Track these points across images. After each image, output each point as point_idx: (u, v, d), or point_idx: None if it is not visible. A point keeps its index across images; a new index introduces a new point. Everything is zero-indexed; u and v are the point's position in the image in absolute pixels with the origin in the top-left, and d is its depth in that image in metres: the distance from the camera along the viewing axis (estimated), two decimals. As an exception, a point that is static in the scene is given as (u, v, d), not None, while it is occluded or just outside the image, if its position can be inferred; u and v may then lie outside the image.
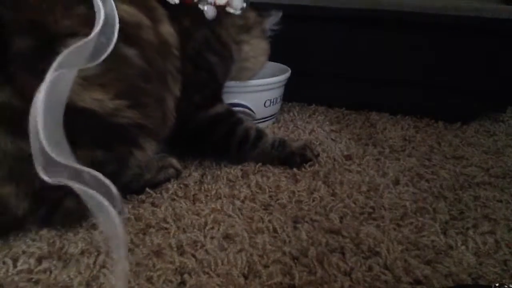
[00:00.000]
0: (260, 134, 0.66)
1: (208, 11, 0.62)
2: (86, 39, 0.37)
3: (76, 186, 0.34)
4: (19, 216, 0.45)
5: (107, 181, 0.35)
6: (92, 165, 0.45)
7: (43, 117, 0.34)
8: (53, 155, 0.34)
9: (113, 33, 0.40)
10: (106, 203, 0.33)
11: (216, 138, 0.63)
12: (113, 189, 0.34)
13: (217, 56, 0.64)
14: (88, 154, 0.46)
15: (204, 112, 0.62)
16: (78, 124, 0.43)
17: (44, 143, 0.34)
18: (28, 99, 0.40)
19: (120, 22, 0.42)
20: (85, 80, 0.43)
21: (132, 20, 0.50)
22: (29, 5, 0.43)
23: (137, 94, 0.49)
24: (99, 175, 0.35)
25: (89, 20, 0.42)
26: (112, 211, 0.32)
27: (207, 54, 0.63)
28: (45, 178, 0.35)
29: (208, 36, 0.63)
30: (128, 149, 0.51)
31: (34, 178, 0.42)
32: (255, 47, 0.72)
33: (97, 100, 0.45)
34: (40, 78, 0.39)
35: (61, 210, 0.47)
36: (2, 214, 0.44)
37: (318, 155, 0.67)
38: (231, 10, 0.65)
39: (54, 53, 0.40)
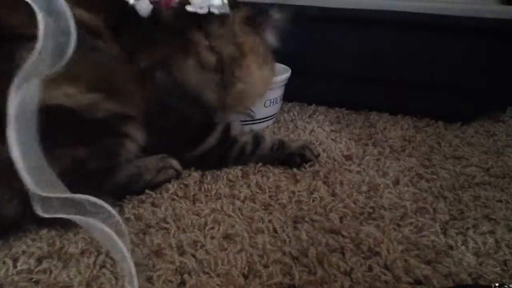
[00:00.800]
0: (257, 142, 0.64)
1: (141, 7, 0.51)
2: (37, 48, 0.33)
3: (73, 217, 0.33)
4: (12, 217, 0.44)
5: (102, 203, 0.33)
6: (73, 163, 0.45)
7: (20, 147, 0.32)
8: (40, 192, 0.32)
9: (69, 29, 0.35)
10: (106, 228, 0.32)
11: (209, 163, 0.62)
12: (111, 209, 0.33)
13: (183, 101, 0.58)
14: (68, 153, 0.45)
15: (192, 150, 0.60)
16: (53, 123, 0.40)
17: (29, 182, 0.32)
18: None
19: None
20: (51, 77, 0.40)
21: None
22: None
23: (112, 83, 0.47)
24: (92, 198, 0.34)
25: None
26: (113, 235, 0.32)
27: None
28: (41, 214, 0.33)
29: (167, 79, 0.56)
30: (115, 141, 0.50)
31: (17, 179, 0.42)
32: (249, 82, 0.63)
33: (69, 95, 0.43)
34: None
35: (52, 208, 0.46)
36: None
37: (318, 155, 0.67)
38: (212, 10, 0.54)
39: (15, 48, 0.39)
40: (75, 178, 0.46)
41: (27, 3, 0.33)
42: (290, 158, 0.64)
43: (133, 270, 0.31)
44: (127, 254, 0.31)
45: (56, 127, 0.42)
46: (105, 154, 0.49)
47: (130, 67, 0.50)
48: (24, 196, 0.42)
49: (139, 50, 0.53)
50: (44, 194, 0.32)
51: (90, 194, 0.49)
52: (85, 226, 0.33)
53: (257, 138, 0.65)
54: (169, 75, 0.55)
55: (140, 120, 0.51)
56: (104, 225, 0.32)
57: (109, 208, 0.33)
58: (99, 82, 0.45)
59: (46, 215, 0.33)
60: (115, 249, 0.32)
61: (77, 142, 0.46)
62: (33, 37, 0.32)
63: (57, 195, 0.33)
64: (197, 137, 0.60)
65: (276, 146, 0.65)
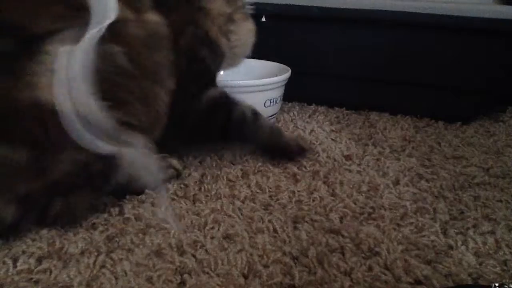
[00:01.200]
0: (255, 113, 0.67)
1: None
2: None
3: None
4: (9, 222, 0.44)
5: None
6: (74, 165, 0.46)
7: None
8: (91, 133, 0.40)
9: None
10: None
11: (215, 123, 0.63)
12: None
13: (208, 50, 0.64)
14: (73, 156, 0.45)
15: (199, 99, 0.62)
16: (56, 128, 0.42)
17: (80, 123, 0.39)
18: (4, 100, 0.41)
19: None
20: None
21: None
22: (7, 7, 0.42)
23: (118, 93, 0.48)
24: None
25: (66, 16, 0.43)
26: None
27: (199, 48, 0.63)
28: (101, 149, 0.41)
29: (196, 32, 0.63)
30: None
31: (18, 182, 0.43)
32: (242, 34, 0.70)
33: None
34: (16, 76, 0.40)
35: (51, 213, 0.47)
36: None
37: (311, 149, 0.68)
38: None
39: (31, 54, 0.41)
40: (78, 180, 0.47)
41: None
42: (288, 147, 0.66)
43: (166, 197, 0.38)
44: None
45: (61, 132, 0.43)
46: (106, 157, 0.49)
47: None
48: (22, 200, 0.44)
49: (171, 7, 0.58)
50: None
51: (91, 194, 0.50)
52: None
53: (255, 111, 0.67)
54: (198, 28, 0.63)
55: (143, 129, 0.52)
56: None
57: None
58: (106, 91, 0.46)
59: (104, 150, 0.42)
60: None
61: (80, 147, 0.45)
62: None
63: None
64: (208, 83, 0.65)
65: (275, 128, 0.68)
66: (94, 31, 0.42)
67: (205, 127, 0.63)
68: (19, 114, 0.41)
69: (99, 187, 0.51)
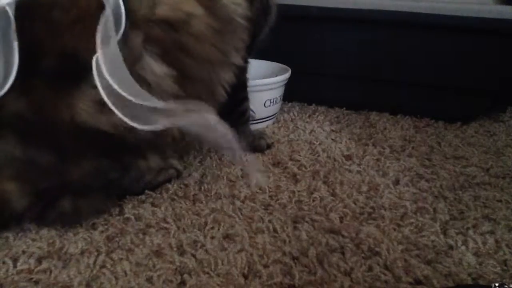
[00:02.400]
0: (249, 117, 0.71)
1: None
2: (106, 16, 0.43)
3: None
4: (18, 212, 0.46)
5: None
6: (95, 172, 0.47)
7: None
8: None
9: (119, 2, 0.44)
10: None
11: (231, 103, 0.64)
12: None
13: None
14: (94, 163, 0.48)
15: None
16: (89, 141, 0.46)
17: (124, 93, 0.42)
18: (43, 114, 0.44)
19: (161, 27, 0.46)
20: (102, 105, 0.44)
21: (177, 17, 0.49)
22: (65, 32, 0.44)
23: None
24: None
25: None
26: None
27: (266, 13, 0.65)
28: (140, 127, 0.43)
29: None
30: (134, 160, 0.52)
31: (40, 179, 0.46)
32: None
33: (113, 122, 0.45)
34: (60, 95, 0.44)
35: (55, 209, 0.48)
36: (2, 208, 0.46)
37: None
38: None
39: (78, 80, 0.44)
40: (93, 184, 0.49)
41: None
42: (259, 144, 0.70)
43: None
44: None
45: (92, 144, 0.47)
46: (121, 168, 0.52)
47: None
48: (34, 193, 0.46)
49: None
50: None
51: (101, 199, 0.51)
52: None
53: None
54: None
55: (163, 151, 0.55)
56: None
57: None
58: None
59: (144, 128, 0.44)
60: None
61: (104, 156, 0.49)
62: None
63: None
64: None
65: (255, 133, 0.71)
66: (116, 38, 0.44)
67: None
68: (55, 127, 0.45)
69: (111, 193, 0.52)
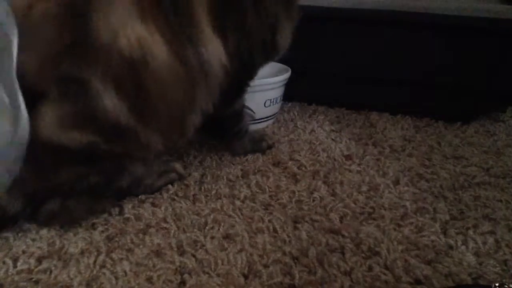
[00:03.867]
0: (247, 129, 0.70)
1: None
2: None
3: None
4: (10, 214, 0.46)
5: None
6: (76, 176, 0.48)
7: None
8: None
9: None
10: None
11: (222, 129, 0.66)
12: None
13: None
14: (71, 171, 0.48)
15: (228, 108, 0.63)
16: (60, 153, 0.46)
17: None
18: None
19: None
20: (60, 123, 0.44)
21: (137, 55, 0.45)
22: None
23: (115, 135, 0.48)
24: None
25: (65, 81, 0.44)
26: None
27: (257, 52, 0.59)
28: None
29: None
30: (116, 165, 0.51)
31: (24, 185, 0.45)
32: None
33: (72, 138, 0.45)
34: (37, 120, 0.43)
35: (43, 211, 0.48)
36: None
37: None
38: None
39: (35, 98, 0.43)
40: (78, 186, 0.48)
41: None
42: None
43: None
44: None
45: (63, 157, 0.46)
46: (106, 171, 0.51)
47: None
48: (28, 196, 0.46)
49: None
50: None
51: (91, 199, 0.51)
52: None
53: (248, 128, 0.71)
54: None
55: (137, 157, 0.53)
56: None
57: None
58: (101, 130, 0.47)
59: None
60: None
61: (79, 165, 0.48)
62: None
63: None
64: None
65: (254, 137, 0.71)
66: None
67: (213, 126, 0.63)
68: (35, 146, 0.44)
69: (98, 193, 0.52)
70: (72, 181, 0.48)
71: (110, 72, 0.44)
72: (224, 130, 0.67)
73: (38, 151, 0.44)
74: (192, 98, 0.52)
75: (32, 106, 0.43)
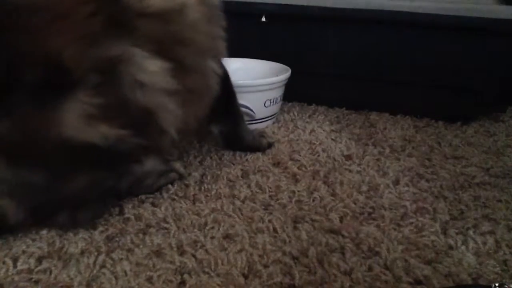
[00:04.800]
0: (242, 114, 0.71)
1: None
2: None
3: None
4: (10, 223, 0.45)
5: None
6: (90, 183, 0.47)
7: None
8: None
9: None
10: None
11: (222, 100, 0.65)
12: None
13: None
14: (88, 176, 0.47)
15: None
16: (80, 155, 0.44)
17: None
18: (29, 133, 0.42)
19: None
20: (88, 118, 0.43)
21: (170, 7, 0.48)
22: (44, 38, 0.41)
23: (141, 126, 0.48)
24: None
25: (100, 66, 0.42)
26: None
27: None
28: None
29: None
30: (128, 166, 0.52)
31: (34, 197, 0.45)
32: None
33: (101, 133, 0.44)
34: (44, 112, 0.41)
35: (51, 221, 0.48)
36: None
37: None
38: None
39: (63, 91, 0.41)
40: (89, 195, 0.48)
41: None
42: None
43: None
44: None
45: (83, 158, 0.45)
46: (117, 176, 0.51)
47: None
48: (30, 209, 0.45)
49: None
50: None
51: (98, 208, 0.51)
52: None
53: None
54: None
55: (159, 150, 0.54)
56: None
57: None
58: (131, 123, 0.47)
59: None
60: None
61: (98, 168, 0.48)
62: None
63: None
64: None
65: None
66: None
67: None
68: (43, 146, 0.43)
69: (109, 200, 0.52)
70: (86, 189, 0.47)
71: (150, 35, 0.45)
72: (223, 104, 0.65)
73: (55, 154, 0.43)
74: (214, 38, 0.54)
75: (54, 102, 0.41)
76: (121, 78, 0.44)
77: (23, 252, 0.44)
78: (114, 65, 0.43)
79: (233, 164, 0.65)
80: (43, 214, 0.47)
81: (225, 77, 0.63)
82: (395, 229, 0.49)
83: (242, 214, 0.51)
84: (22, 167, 0.43)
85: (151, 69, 0.46)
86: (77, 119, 0.42)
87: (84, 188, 0.47)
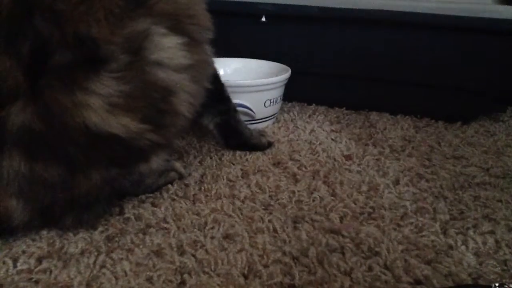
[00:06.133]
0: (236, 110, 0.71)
1: None
2: None
3: None
4: (13, 225, 0.45)
5: None
6: (102, 181, 0.47)
7: None
8: None
9: None
10: None
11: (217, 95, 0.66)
12: None
13: None
14: (102, 173, 0.46)
15: None
16: (100, 148, 0.44)
17: None
18: (52, 121, 0.41)
19: None
20: (113, 106, 0.43)
21: None
22: (72, 18, 0.41)
23: (159, 117, 0.49)
24: None
25: (131, 44, 0.43)
26: None
27: None
28: None
29: None
30: (138, 164, 0.52)
31: (45, 195, 0.44)
32: None
33: (123, 125, 0.44)
34: (71, 95, 0.41)
35: (56, 224, 0.48)
36: (1, 223, 0.45)
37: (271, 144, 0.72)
38: None
39: (93, 69, 0.41)
40: (101, 193, 0.48)
41: None
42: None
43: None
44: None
45: (101, 153, 0.45)
46: (128, 174, 0.51)
47: None
48: (37, 210, 0.45)
49: None
50: None
51: (106, 206, 0.51)
52: None
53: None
54: None
55: (168, 146, 0.55)
56: None
57: None
58: (151, 115, 0.47)
59: None
60: None
61: (113, 165, 0.48)
62: None
63: None
64: None
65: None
66: None
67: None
68: (65, 135, 0.42)
69: (112, 199, 0.52)
70: (97, 187, 0.46)
71: (165, 11, 0.46)
72: (220, 100, 0.66)
73: (75, 145, 0.43)
74: (207, 14, 0.55)
75: (83, 83, 0.41)
76: (146, 57, 0.44)
77: (23, 252, 0.44)
78: (140, 43, 0.44)
79: (233, 164, 0.65)
80: (52, 214, 0.46)
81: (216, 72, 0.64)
82: (395, 229, 0.49)
83: (242, 214, 0.51)
84: (39, 161, 0.43)
85: (168, 45, 0.46)
86: (102, 106, 0.42)
87: (96, 186, 0.46)
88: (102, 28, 0.42)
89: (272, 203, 0.54)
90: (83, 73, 0.42)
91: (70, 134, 0.42)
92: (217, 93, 0.64)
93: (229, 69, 0.88)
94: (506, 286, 0.35)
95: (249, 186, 0.58)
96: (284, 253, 0.44)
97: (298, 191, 0.57)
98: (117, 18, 0.43)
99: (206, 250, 0.45)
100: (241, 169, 0.63)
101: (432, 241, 0.47)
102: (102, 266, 0.42)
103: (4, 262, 0.43)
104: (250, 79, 0.80)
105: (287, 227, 0.49)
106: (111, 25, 0.42)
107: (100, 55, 0.42)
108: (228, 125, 0.68)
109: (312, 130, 0.79)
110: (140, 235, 0.47)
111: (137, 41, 0.44)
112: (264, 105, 0.79)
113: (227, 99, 0.68)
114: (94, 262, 0.43)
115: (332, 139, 0.75)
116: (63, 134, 0.42)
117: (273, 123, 0.84)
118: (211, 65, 0.58)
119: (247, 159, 0.67)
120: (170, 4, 0.47)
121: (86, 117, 0.42)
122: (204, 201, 0.54)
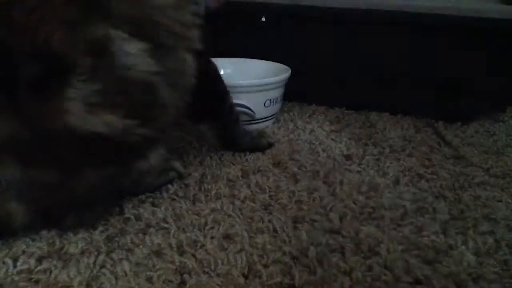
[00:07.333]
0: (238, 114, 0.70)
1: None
2: None
3: None
4: (13, 228, 0.45)
5: None
6: (101, 180, 0.47)
7: None
8: None
9: None
10: None
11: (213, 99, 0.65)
12: None
13: None
14: (99, 172, 0.47)
15: None
16: (90, 148, 0.44)
17: None
18: (37, 127, 0.41)
19: None
20: (91, 106, 0.42)
21: None
22: (29, 27, 0.40)
23: (145, 110, 0.48)
24: None
25: (93, 47, 0.42)
26: None
27: None
28: None
29: None
30: (135, 161, 0.52)
31: (44, 198, 0.44)
32: None
33: (107, 123, 0.44)
34: (49, 102, 0.41)
35: (57, 224, 0.48)
36: (3, 226, 0.45)
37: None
38: None
39: (62, 79, 0.41)
40: (100, 193, 0.48)
41: None
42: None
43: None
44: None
45: (93, 152, 0.45)
46: (127, 171, 0.51)
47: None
48: (39, 212, 0.45)
49: None
50: None
51: (105, 207, 0.51)
52: None
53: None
54: None
55: (163, 138, 0.54)
56: None
57: None
58: (135, 110, 0.46)
59: None
60: None
61: (108, 162, 0.47)
62: None
63: None
64: None
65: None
66: None
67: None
68: (51, 139, 0.42)
69: (114, 199, 0.52)
70: (96, 186, 0.46)
71: (125, 16, 0.44)
72: (216, 103, 0.65)
73: (64, 147, 0.43)
74: (184, 26, 0.52)
75: (56, 91, 0.41)
76: (113, 58, 0.43)
77: (23, 252, 0.44)
78: (103, 46, 0.43)
79: (233, 164, 0.65)
80: (53, 215, 0.46)
81: (215, 77, 0.63)
82: (395, 229, 0.49)
83: (242, 214, 0.51)
84: (34, 167, 0.43)
85: (132, 51, 0.45)
86: (80, 107, 0.42)
87: (94, 185, 0.46)
88: (59, 35, 0.41)
89: (272, 203, 0.54)
90: (54, 83, 0.41)
91: (57, 138, 0.42)
92: (216, 109, 0.65)
93: (229, 69, 0.88)
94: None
95: (249, 186, 0.58)
96: (284, 253, 0.44)
97: (298, 191, 0.57)
98: (75, 23, 0.42)
99: (206, 250, 0.45)
100: (241, 169, 0.63)
101: (432, 241, 0.46)
102: (102, 266, 0.42)
103: (4, 262, 0.43)
104: (250, 79, 0.80)
105: (287, 227, 0.49)
106: (68, 31, 0.41)
107: (65, 64, 0.41)
108: (226, 136, 0.68)
109: (312, 130, 0.79)
110: (140, 235, 0.47)
111: (99, 44, 0.43)
112: (264, 105, 0.79)
113: (228, 115, 0.67)
114: (94, 262, 0.43)
115: (332, 139, 0.75)
116: (50, 139, 0.42)
117: (273, 123, 0.84)
118: (187, 76, 0.54)
119: (247, 159, 0.67)
120: (131, 9, 0.45)
121: (67, 121, 0.41)
122: (204, 201, 0.54)
